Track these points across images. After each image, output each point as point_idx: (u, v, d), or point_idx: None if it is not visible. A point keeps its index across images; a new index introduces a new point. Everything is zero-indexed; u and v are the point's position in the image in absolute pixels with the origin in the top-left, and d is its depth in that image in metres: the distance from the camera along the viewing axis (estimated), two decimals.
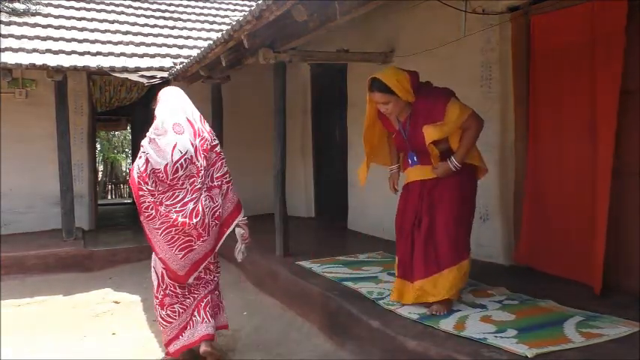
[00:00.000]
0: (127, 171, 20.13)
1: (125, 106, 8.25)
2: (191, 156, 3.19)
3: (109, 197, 18.30)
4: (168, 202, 3.16)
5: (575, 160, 3.82)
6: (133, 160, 3.65)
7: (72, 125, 6.80)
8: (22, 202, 7.14)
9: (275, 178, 5.30)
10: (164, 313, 3.33)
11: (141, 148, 3.22)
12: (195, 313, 3.34)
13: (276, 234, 5.25)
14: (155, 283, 3.37)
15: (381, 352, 3.16)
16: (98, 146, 16.78)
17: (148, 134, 3.23)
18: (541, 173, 4.13)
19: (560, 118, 3.93)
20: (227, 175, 3.45)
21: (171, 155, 3.12)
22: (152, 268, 3.41)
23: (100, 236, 7.22)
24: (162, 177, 3.12)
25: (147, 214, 3.18)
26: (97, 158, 15.57)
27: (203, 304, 3.34)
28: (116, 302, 4.93)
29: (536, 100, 4.14)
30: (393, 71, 3.35)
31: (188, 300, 3.35)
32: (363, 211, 6.35)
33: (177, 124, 3.23)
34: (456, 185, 3.31)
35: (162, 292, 3.33)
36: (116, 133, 20.32)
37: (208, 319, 3.32)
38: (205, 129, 3.40)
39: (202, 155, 3.26)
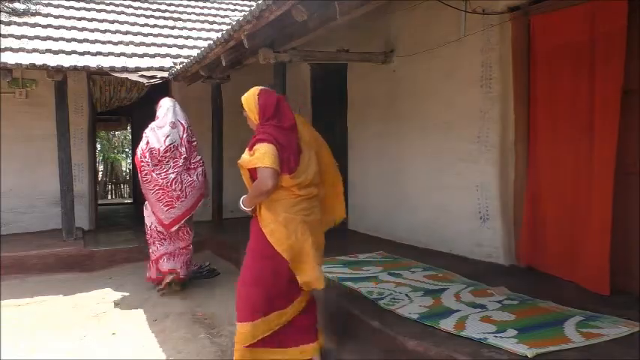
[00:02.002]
0: (127, 171, 20.13)
1: (125, 106, 8.24)
2: (177, 145, 4.82)
3: (109, 197, 18.31)
4: (156, 172, 4.77)
5: (575, 160, 3.82)
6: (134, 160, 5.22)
7: (72, 125, 6.78)
8: (22, 202, 7.13)
9: None
10: (154, 248, 5.05)
11: (144, 134, 4.88)
12: (179, 251, 5.04)
13: None
14: (146, 230, 5.09)
15: (381, 352, 3.16)
16: (98, 146, 16.78)
17: (150, 125, 4.90)
18: (541, 173, 4.13)
19: (560, 118, 3.93)
20: (201, 161, 5.04)
21: (164, 141, 4.76)
22: (145, 220, 5.10)
23: (100, 236, 7.22)
24: (155, 154, 4.75)
25: (145, 178, 4.82)
26: (97, 158, 15.58)
27: (177, 252, 5.03)
28: (116, 302, 4.93)
29: (536, 100, 4.14)
30: (253, 90, 3.12)
31: (166, 241, 5.01)
32: (363, 211, 6.35)
33: (173, 122, 4.86)
34: (254, 234, 3.06)
35: (149, 237, 5.07)
36: (116, 133, 20.33)
37: (179, 262, 5.04)
38: (188, 129, 4.97)
39: (185, 146, 4.87)
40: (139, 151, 4.81)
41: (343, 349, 3.52)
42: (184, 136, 4.86)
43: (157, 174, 4.74)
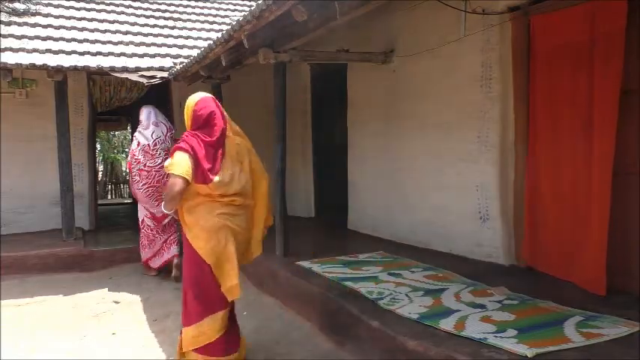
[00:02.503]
0: (127, 171, 20.08)
1: (125, 106, 8.24)
2: (163, 139, 5.50)
3: (109, 197, 18.30)
4: (149, 164, 5.42)
5: (574, 160, 3.82)
6: None
7: (72, 125, 6.78)
8: (22, 202, 7.13)
9: (275, 178, 5.29)
10: (145, 241, 5.77)
11: (133, 137, 5.72)
12: (164, 246, 5.71)
13: (276, 234, 5.24)
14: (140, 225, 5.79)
15: (381, 352, 3.16)
16: (98, 146, 16.77)
17: (137, 129, 5.68)
18: (541, 173, 4.13)
19: (560, 118, 3.93)
20: None
21: (151, 136, 5.47)
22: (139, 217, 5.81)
23: (100, 236, 7.22)
24: (147, 149, 5.44)
25: (134, 179, 5.54)
26: (97, 158, 15.57)
27: (168, 242, 5.70)
28: (116, 302, 4.93)
29: (536, 100, 4.14)
30: (194, 96, 3.21)
31: (159, 236, 5.71)
32: (363, 211, 6.35)
33: (155, 122, 5.58)
34: (184, 240, 3.19)
35: (142, 231, 5.77)
36: (116, 133, 20.33)
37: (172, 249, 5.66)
38: (171, 129, 5.71)
39: (168, 142, 5.48)
40: (130, 153, 5.66)
41: (343, 349, 3.53)
42: (168, 134, 5.59)
43: (148, 168, 5.41)
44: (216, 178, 3.02)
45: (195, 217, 3.08)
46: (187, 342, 3.15)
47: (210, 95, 3.23)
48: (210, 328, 3.08)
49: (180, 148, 3.01)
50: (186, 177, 2.96)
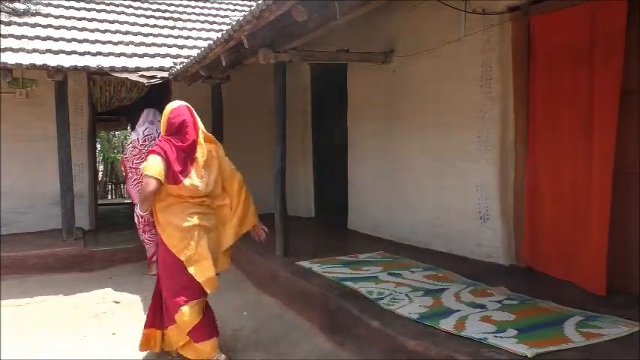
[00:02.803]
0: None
1: (125, 106, 8.24)
2: (154, 137, 5.54)
3: (109, 197, 18.30)
4: (136, 161, 5.54)
5: (575, 160, 3.82)
6: None
7: (72, 125, 6.78)
8: (22, 202, 7.13)
9: (275, 178, 5.30)
10: (145, 236, 5.77)
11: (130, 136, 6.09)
12: None
13: (276, 234, 5.24)
14: (136, 221, 5.75)
15: (381, 352, 3.16)
16: (98, 146, 16.76)
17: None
18: (541, 173, 4.13)
19: (560, 118, 3.93)
20: None
21: (142, 133, 5.69)
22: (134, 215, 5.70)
23: (100, 236, 7.22)
24: (135, 144, 5.69)
25: (127, 175, 5.82)
26: (97, 158, 15.56)
27: None
28: (116, 302, 4.93)
29: (536, 100, 4.14)
30: (171, 104, 3.44)
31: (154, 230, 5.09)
32: (363, 211, 6.35)
33: (151, 120, 5.74)
34: (159, 239, 3.40)
35: (141, 227, 5.73)
36: (116, 133, 20.32)
37: None
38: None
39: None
40: (124, 154, 5.98)
41: (343, 349, 3.53)
42: (157, 133, 5.64)
43: (135, 165, 5.55)
44: (187, 181, 3.24)
45: (168, 217, 3.29)
46: (177, 337, 3.40)
47: (185, 104, 3.44)
48: (189, 315, 3.29)
49: (154, 152, 3.26)
50: (159, 178, 3.19)
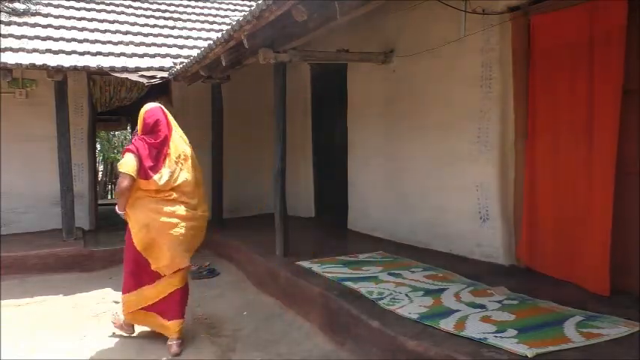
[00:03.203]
0: None
1: (125, 106, 8.23)
2: None
3: (109, 197, 18.30)
4: None
5: (575, 160, 3.82)
6: None
7: (72, 125, 6.78)
8: (22, 202, 7.13)
9: (275, 178, 5.30)
10: None
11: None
12: None
13: (276, 234, 5.25)
14: None
15: (381, 352, 3.16)
16: (98, 146, 16.77)
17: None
18: (540, 173, 4.13)
19: (559, 118, 3.93)
20: None
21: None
22: None
23: (100, 236, 7.22)
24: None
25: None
26: (97, 158, 15.58)
27: None
28: (116, 302, 4.91)
29: (536, 99, 4.14)
30: (146, 106, 3.75)
31: None
32: (363, 211, 6.35)
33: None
34: (127, 228, 3.72)
35: None
36: (116, 133, 20.32)
37: None
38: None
39: None
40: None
41: (343, 349, 3.53)
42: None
43: None
44: (156, 176, 3.54)
45: (133, 210, 3.62)
46: (123, 307, 3.84)
47: (158, 105, 3.76)
48: (138, 297, 3.72)
49: (128, 150, 3.56)
50: (132, 174, 3.49)
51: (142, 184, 3.54)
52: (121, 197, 3.57)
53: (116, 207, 3.67)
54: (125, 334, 3.97)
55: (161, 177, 3.53)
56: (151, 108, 3.69)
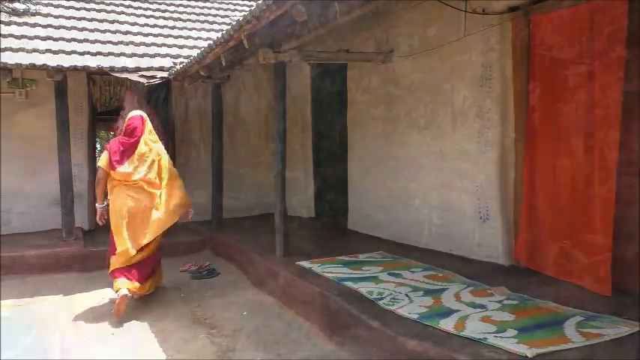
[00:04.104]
0: None
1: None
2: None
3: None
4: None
5: (575, 160, 3.82)
6: None
7: (72, 125, 6.77)
8: (22, 202, 7.12)
9: (275, 178, 5.30)
10: None
11: None
12: None
13: (276, 234, 5.25)
14: None
15: (381, 352, 3.16)
16: (98, 146, 16.74)
17: None
18: (539, 174, 4.13)
19: (560, 118, 3.93)
20: None
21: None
22: None
23: (100, 236, 7.18)
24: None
25: None
26: (97, 158, 15.52)
27: None
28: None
29: (536, 99, 4.14)
30: (131, 113, 4.77)
31: None
32: (363, 211, 6.35)
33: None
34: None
35: None
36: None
37: None
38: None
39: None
40: None
41: (343, 349, 3.53)
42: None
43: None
44: (120, 168, 4.48)
45: (111, 195, 4.55)
46: (111, 265, 4.65)
47: (141, 114, 4.72)
48: (115, 262, 4.60)
49: (106, 148, 4.59)
50: (103, 167, 4.49)
51: (116, 175, 4.48)
52: (97, 186, 4.56)
53: (97, 204, 4.60)
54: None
55: (124, 169, 4.46)
56: (134, 116, 4.68)
